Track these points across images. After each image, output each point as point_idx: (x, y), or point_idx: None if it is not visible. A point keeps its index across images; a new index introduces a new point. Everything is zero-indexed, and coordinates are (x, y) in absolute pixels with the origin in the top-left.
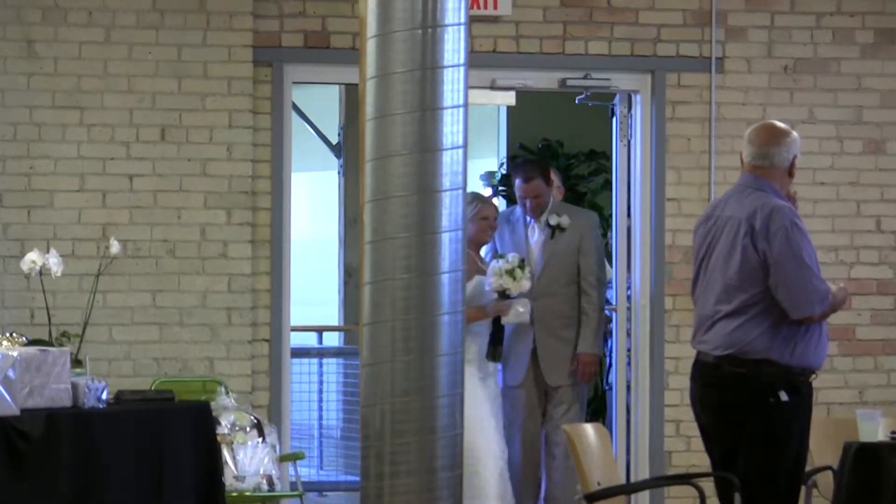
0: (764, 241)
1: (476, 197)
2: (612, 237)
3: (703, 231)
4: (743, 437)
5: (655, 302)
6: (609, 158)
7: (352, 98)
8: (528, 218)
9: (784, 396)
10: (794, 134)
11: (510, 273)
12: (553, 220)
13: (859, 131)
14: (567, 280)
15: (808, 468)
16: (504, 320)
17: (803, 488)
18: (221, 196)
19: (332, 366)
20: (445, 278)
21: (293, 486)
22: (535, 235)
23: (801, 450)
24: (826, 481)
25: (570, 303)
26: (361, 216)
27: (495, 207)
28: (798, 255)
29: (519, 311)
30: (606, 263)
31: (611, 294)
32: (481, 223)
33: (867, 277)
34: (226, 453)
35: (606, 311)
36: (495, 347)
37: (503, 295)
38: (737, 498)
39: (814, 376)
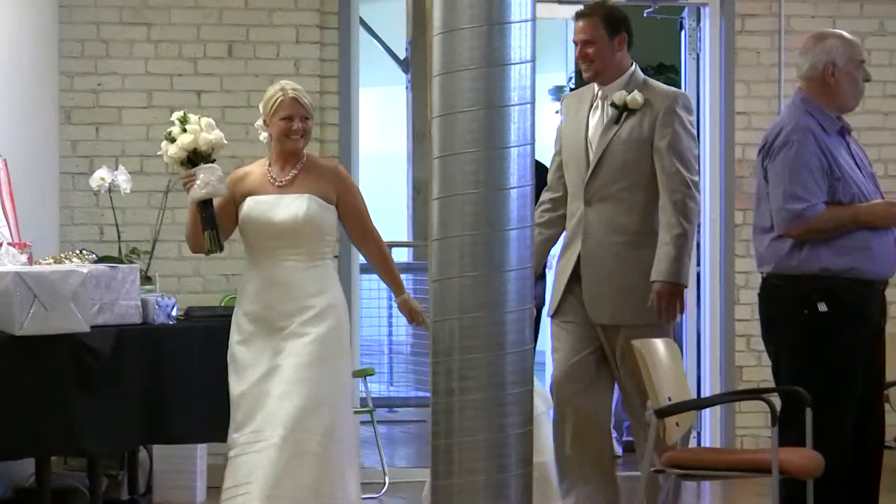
0: (767, 158)
1: None
2: None
3: None
4: (782, 348)
5: (726, 216)
6: (678, 72)
7: (419, 12)
8: (596, 93)
9: (823, 307)
10: (831, 41)
11: (167, 133)
12: (618, 98)
13: None
14: (632, 181)
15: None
16: (189, 197)
17: None
18: None
19: None
20: (514, 193)
21: (363, 402)
22: (596, 119)
23: (854, 364)
24: None
25: (634, 213)
26: (430, 131)
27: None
28: (778, 175)
29: (201, 179)
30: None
31: None
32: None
33: None
34: None
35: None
36: (206, 232)
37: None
38: (808, 413)
39: (882, 286)
